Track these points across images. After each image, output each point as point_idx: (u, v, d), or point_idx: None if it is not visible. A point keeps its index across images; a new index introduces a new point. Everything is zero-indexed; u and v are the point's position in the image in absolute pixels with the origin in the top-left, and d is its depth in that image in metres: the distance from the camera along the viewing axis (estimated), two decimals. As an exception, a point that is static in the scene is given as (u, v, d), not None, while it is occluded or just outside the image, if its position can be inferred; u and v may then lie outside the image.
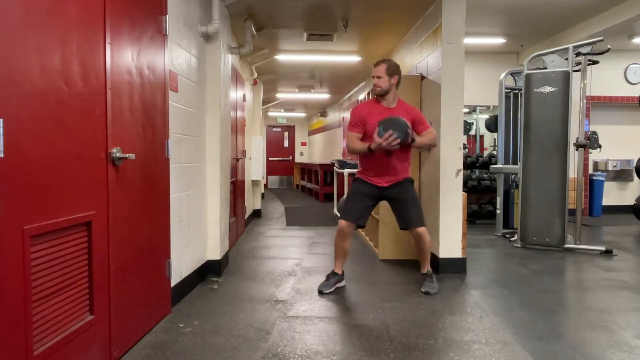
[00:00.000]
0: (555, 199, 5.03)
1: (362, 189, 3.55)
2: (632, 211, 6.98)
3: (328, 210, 8.66)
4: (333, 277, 3.54)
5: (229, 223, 4.45)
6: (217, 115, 3.91)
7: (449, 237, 4.02)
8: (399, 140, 3.25)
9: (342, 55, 6.84)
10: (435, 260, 4.07)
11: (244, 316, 2.95)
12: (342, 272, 3.61)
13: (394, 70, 3.44)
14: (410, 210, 3.48)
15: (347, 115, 10.92)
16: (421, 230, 3.48)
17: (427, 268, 3.59)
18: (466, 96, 4.16)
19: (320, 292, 3.41)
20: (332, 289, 3.47)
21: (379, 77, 3.43)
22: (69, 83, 1.86)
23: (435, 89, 4.15)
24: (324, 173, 10.62)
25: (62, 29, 1.83)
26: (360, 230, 6.06)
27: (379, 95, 3.50)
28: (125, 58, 2.32)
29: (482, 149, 8.14)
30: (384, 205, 4.01)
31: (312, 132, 16.39)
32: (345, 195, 6.72)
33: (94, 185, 2.06)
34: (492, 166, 6.24)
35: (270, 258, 4.66)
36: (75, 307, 1.95)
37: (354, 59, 6.99)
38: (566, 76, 4.99)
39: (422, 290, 3.45)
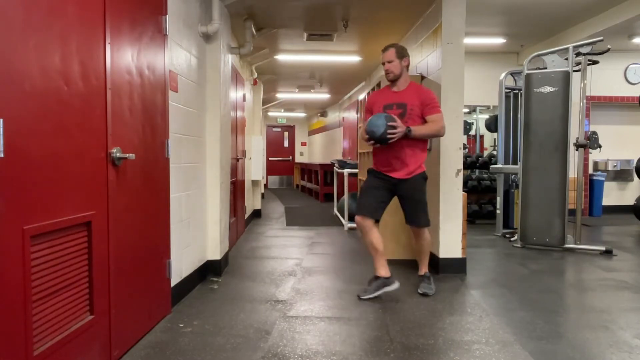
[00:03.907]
0: (555, 199, 5.03)
1: (372, 180, 3.46)
2: (632, 211, 6.98)
3: (328, 210, 8.66)
4: (374, 281, 3.35)
5: (229, 223, 4.45)
6: (217, 115, 3.91)
7: (449, 237, 4.02)
8: (371, 137, 3.23)
9: (342, 55, 6.85)
10: (435, 260, 4.07)
11: (244, 316, 2.95)
12: (390, 275, 3.38)
13: (403, 52, 3.38)
14: (419, 211, 3.40)
15: (347, 115, 10.93)
16: (423, 229, 3.46)
17: (424, 270, 3.55)
18: (466, 96, 4.16)
19: (359, 297, 3.31)
20: (373, 295, 3.29)
21: (390, 62, 3.34)
22: (69, 83, 1.86)
23: (435, 89, 4.14)
24: (324, 173, 10.62)
25: (62, 29, 1.83)
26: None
27: (391, 81, 3.42)
28: (125, 58, 2.32)
29: (482, 149, 8.14)
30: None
31: (312, 132, 16.39)
32: (344, 194, 6.73)
33: (93, 185, 2.06)
34: (492, 166, 6.24)
35: (270, 258, 4.66)
36: (75, 307, 1.95)
37: (354, 59, 6.99)
38: (566, 76, 4.99)
39: (419, 291, 3.42)
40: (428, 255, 3.56)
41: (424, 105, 3.30)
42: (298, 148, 16.91)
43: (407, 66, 3.41)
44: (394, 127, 3.18)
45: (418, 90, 3.39)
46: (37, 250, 1.70)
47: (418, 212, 3.41)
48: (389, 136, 3.19)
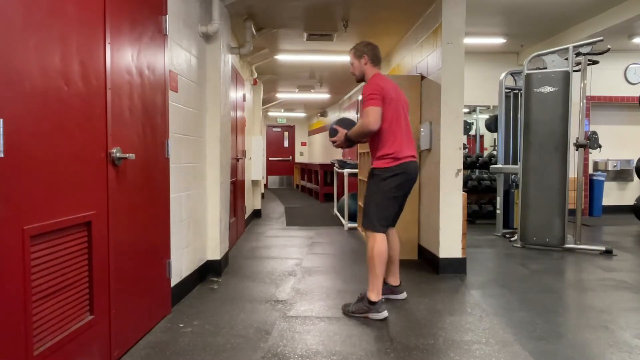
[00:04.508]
0: (555, 199, 5.03)
1: None
2: (632, 211, 6.98)
3: (328, 210, 8.66)
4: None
5: (229, 223, 4.45)
6: (217, 115, 3.91)
7: (449, 237, 4.02)
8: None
9: (342, 55, 6.84)
10: (435, 260, 4.07)
11: (244, 316, 2.95)
12: (400, 282, 3.35)
13: (361, 51, 3.17)
14: (364, 209, 3.16)
15: (347, 115, 10.92)
16: (368, 233, 3.10)
17: (368, 291, 2.98)
18: (466, 96, 4.16)
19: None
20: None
21: (351, 64, 3.23)
22: (69, 83, 1.86)
23: (435, 89, 4.15)
24: (324, 173, 10.62)
25: (62, 29, 1.83)
26: (360, 229, 6.07)
27: (359, 82, 3.34)
28: (125, 58, 2.32)
29: (482, 149, 8.14)
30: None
31: (312, 132, 16.39)
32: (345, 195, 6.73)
33: (93, 185, 2.06)
34: (492, 166, 6.24)
35: (270, 258, 4.66)
36: (75, 307, 1.95)
37: (354, 59, 6.98)
38: (566, 76, 4.99)
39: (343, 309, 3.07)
40: (375, 276, 2.98)
41: (363, 101, 3.07)
42: (298, 148, 16.91)
43: (372, 62, 3.16)
44: (333, 142, 3.26)
45: (366, 85, 3.14)
46: (37, 250, 1.70)
47: (364, 210, 3.18)
48: (332, 141, 3.29)
